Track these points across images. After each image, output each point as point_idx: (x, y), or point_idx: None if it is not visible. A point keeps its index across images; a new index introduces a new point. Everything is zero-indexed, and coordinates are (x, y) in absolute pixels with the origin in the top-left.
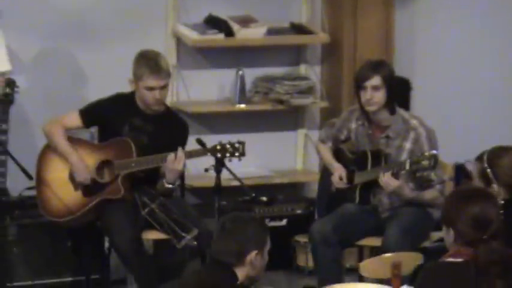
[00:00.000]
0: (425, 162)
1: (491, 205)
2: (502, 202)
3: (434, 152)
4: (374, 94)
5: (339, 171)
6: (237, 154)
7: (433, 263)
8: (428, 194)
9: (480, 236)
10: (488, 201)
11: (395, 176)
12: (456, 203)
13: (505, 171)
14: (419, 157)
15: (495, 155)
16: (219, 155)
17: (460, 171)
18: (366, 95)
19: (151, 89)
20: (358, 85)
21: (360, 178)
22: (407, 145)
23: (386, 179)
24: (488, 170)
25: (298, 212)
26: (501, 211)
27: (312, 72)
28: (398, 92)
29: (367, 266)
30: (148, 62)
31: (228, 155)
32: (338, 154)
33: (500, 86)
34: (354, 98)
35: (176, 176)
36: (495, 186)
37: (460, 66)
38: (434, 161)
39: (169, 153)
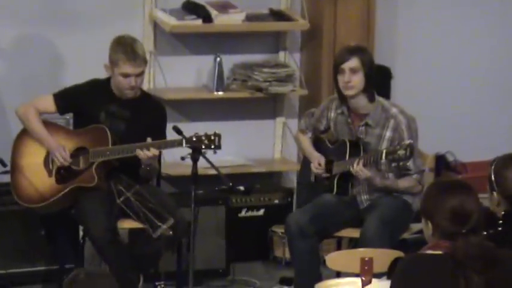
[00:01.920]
0: (401, 152)
1: (472, 198)
2: (502, 213)
3: (409, 141)
4: (352, 77)
5: (317, 159)
6: (212, 146)
7: (412, 255)
8: (403, 183)
9: (458, 230)
10: (468, 194)
11: (372, 165)
12: (435, 195)
13: (509, 184)
14: (395, 147)
15: (503, 164)
16: (194, 146)
17: (441, 162)
18: (343, 78)
19: (127, 75)
20: (336, 69)
21: (337, 168)
22: (387, 133)
23: (356, 169)
24: (493, 178)
25: (276, 201)
26: (500, 221)
27: (291, 59)
28: (378, 80)
29: (335, 258)
30: (124, 48)
31: (203, 146)
32: (318, 144)
33: (483, 74)
34: (334, 86)
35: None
36: (495, 194)
37: (442, 54)
38: (410, 150)
39: (145, 143)
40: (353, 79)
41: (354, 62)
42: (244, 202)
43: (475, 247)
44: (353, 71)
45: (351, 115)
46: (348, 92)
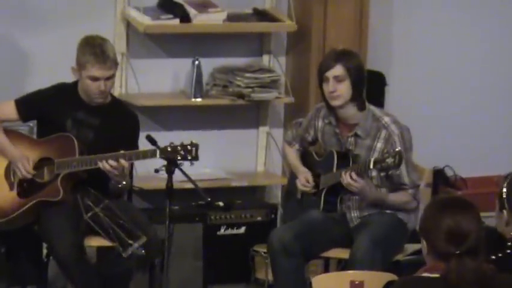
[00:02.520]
0: (389, 160)
1: (470, 217)
2: None
3: (398, 148)
4: (337, 86)
5: (304, 175)
6: (189, 158)
7: (406, 278)
8: (396, 196)
9: (453, 251)
10: (466, 212)
11: (360, 177)
12: (431, 213)
13: None
14: (383, 155)
15: None
16: (169, 157)
17: (439, 177)
18: (328, 87)
19: (95, 79)
20: (320, 76)
21: (325, 181)
22: (378, 144)
23: (348, 180)
24: (504, 196)
25: (258, 219)
26: (509, 244)
27: (277, 64)
28: (371, 87)
29: (322, 281)
30: (93, 50)
31: (179, 157)
32: (305, 157)
33: (484, 82)
34: (321, 94)
35: (120, 177)
36: (505, 213)
37: (440, 60)
38: (399, 158)
39: (114, 153)
40: (338, 88)
41: (338, 70)
42: (223, 219)
43: (471, 271)
44: (338, 79)
45: (339, 125)
46: (334, 103)
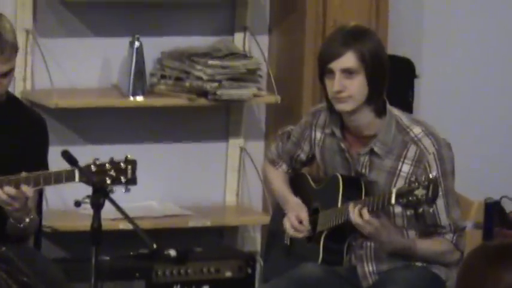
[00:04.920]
0: (419, 192)
1: None
2: None
3: (433, 174)
4: (346, 83)
5: (295, 211)
6: (122, 180)
7: None
8: (429, 245)
9: None
10: None
11: (375, 216)
12: (481, 266)
13: None
14: (410, 184)
15: None
16: (94, 182)
17: (492, 213)
18: (333, 85)
19: None
20: (322, 68)
21: (324, 221)
22: (405, 167)
23: (358, 219)
24: None
25: (228, 275)
26: None
27: (255, 46)
28: (393, 80)
29: None
30: None
31: (108, 181)
32: (296, 184)
33: None
34: (321, 92)
35: (22, 211)
36: None
37: (490, 45)
38: (434, 189)
39: (13, 176)
40: (348, 86)
41: (348, 60)
42: (176, 275)
43: None
44: (346, 72)
45: (346, 137)
46: (341, 107)
